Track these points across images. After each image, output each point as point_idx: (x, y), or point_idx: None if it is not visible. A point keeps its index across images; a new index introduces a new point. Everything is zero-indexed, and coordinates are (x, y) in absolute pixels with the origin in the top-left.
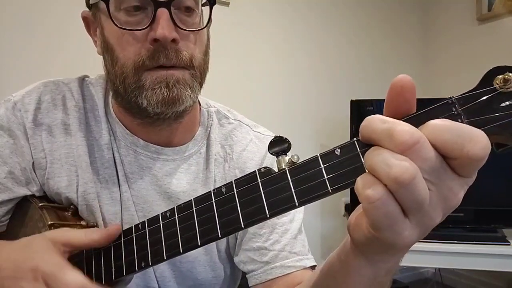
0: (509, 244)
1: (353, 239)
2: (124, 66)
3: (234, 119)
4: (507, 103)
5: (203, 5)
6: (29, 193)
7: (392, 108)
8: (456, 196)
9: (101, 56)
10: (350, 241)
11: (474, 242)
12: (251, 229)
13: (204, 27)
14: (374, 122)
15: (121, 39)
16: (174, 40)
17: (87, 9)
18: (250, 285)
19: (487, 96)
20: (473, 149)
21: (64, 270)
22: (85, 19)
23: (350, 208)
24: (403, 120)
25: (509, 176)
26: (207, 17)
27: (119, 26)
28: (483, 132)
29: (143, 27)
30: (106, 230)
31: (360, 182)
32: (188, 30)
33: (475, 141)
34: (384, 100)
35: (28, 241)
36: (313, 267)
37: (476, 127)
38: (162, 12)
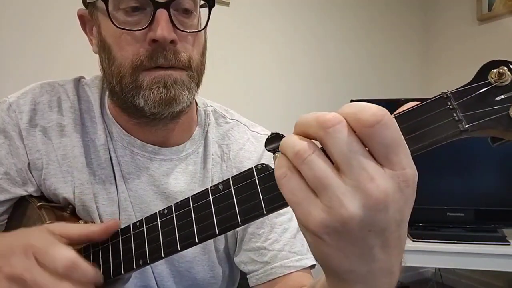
0: (509, 244)
1: None
2: (122, 65)
3: (231, 119)
4: (502, 96)
5: (201, 6)
6: (26, 193)
7: None
8: (374, 185)
9: (98, 56)
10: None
11: (474, 242)
12: (250, 229)
13: (202, 29)
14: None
15: (119, 39)
16: (172, 41)
17: (84, 7)
18: (250, 285)
19: (482, 90)
20: (362, 114)
21: (56, 245)
22: (81, 17)
23: None
24: (396, 116)
25: (509, 176)
26: (205, 19)
27: (117, 25)
28: (377, 106)
29: (142, 27)
30: (105, 224)
31: (276, 165)
32: (187, 32)
33: (366, 108)
34: (384, 100)
35: (25, 229)
36: (312, 266)
37: (472, 121)
38: (162, 13)
